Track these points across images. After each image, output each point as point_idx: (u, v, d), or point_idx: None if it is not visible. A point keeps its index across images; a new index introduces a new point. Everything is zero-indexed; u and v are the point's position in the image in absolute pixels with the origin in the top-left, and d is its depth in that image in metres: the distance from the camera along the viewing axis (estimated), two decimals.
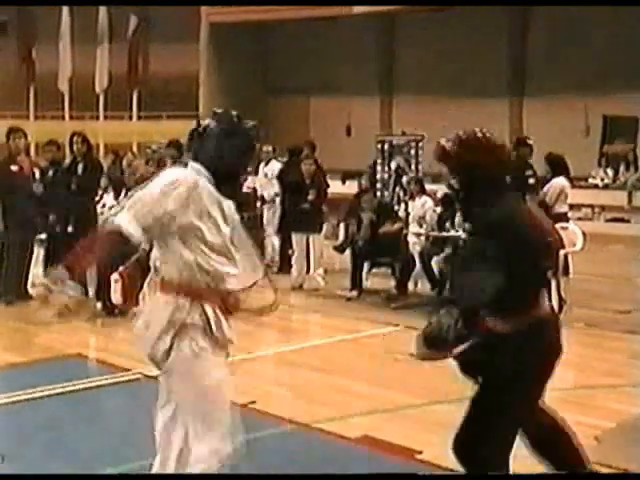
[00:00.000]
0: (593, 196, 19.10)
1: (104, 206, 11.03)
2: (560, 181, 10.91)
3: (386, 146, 14.38)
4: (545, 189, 10.80)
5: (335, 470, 4.95)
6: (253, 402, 6.25)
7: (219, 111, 4.08)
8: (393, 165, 13.83)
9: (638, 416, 6.03)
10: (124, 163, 11.32)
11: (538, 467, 4.25)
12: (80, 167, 10.52)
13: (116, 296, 9.39)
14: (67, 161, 11.07)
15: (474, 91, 22.48)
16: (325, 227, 11.75)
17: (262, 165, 13.24)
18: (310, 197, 11.22)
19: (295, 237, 11.51)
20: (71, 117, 25.92)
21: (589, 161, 18.19)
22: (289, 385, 6.75)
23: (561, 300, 9.48)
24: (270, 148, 13.53)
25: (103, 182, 11.29)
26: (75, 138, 10.69)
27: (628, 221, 18.94)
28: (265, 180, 13.15)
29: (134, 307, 9.60)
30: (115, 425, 5.92)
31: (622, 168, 20.40)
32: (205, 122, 4.02)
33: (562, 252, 9.67)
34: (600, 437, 5.57)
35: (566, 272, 9.83)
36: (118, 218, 3.69)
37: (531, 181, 10.55)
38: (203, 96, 26.27)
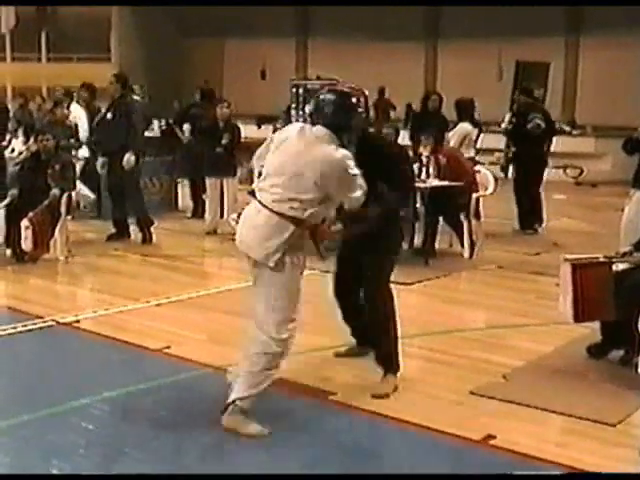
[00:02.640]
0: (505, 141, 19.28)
1: (13, 151, 10.76)
2: (464, 126, 11.04)
3: (300, 90, 14.33)
4: (450, 134, 10.94)
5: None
6: (168, 347, 6.25)
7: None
8: (307, 109, 13.76)
9: (545, 355, 6.20)
10: (33, 106, 11.04)
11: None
12: None
13: (27, 242, 9.25)
14: None
15: (390, 34, 22.44)
16: (239, 171, 11.69)
17: None
18: (224, 141, 11.10)
19: (209, 181, 11.40)
20: None
21: (502, 106, 18.34)
22: (203, 329, 6.75)
23: (472, 242, 9.66)
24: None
25: (11, 126, 11.00)
26: None
27: None
28: None
29: (45, 253, 9.44)
30: (28, 372, 5.86)
31: None
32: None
33: (474, 195, 9.84)
34: (508, 375, 5.73)
35: (477, 215, 9.99)
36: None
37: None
38: (115, 39, 25.71)
